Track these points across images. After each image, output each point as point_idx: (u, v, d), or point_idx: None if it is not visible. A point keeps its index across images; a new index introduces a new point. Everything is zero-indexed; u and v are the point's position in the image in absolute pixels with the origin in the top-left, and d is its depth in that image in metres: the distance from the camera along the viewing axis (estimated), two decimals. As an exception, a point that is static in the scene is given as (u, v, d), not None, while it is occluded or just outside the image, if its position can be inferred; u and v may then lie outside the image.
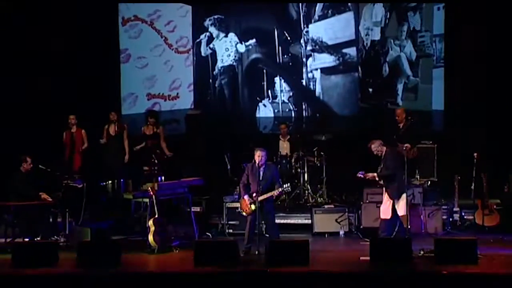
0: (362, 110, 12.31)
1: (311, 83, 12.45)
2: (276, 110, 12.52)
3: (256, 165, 8.72)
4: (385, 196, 8.86)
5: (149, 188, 9.10)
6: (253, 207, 8.70)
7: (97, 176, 10.59)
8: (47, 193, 9.39)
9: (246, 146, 10.80)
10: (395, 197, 8.76)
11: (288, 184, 8.73)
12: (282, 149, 11.38)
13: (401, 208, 8.77)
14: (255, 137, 11.85)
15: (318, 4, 12.25)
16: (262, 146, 8.93)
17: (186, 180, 9.73)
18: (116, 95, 12.23)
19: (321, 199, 11.02)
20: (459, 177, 10.00)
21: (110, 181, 10.54)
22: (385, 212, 8.80)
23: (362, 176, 8.87)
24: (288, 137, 11.42)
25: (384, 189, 8.95)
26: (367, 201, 10.02)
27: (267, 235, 9.20)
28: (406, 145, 9.76)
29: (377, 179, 8.91)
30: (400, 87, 12.24)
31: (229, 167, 11.27)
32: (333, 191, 11.13)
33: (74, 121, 10.73)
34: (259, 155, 8.70)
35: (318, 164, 11.18)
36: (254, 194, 8.70)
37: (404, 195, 8.78)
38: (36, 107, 11.57)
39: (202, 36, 12.41)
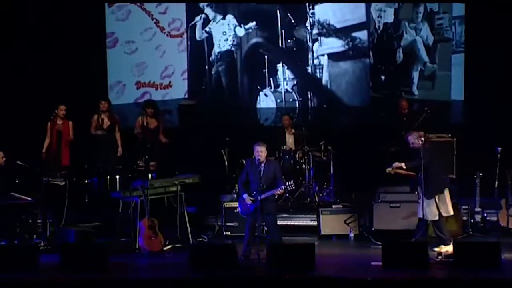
0: (373, 100, 12.30)
1: (318, 71, 12.44)
2: (278, 100, 12.52)
3: (256, 161, 8.71)
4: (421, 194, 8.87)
5: (139, 187, 9.10)
6: (253, 207, 8.68)
7: (81, 173, 10.58)
8: (25, 192, 9.39)
9: (246, 140, 10.78)
10: (432, 195, 8.75)
11: (292, 181, 8.72)
12: (287, 143, 11.39)
13: (445, 208, 8.76)
14: (255, 130, 11.93)
15: (325, -18, 12.32)
16: (263, 140, 8.93)
17: (180, 177, 9.75)
18: (101, 83, 12.22)
19: (329, 198, 11.04)
20: (481, 174, 10.00)
21: (95, 178, 10.52)
22: (431, 211, 8.79)
23: (391, 170, 8.85)
24: (293, 130, 11.44)
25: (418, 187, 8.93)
26: (380, 201, 10.03)
27: (268, 238, 9.16)
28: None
29: (403, 167, 8.85)
30: (415, 74, 12.23)
31: (226, 163, 11.27)
32: (342, 189, 11.14)
33: (64, 112, 10.68)
34: (259, 150, 8.70)
35: (325, 160, 11.19)
36: (254, 193, 8.69)
37: (442, 196, 8.75)
38: (13, 96, 11.54)
39: (197, 19, 12.38)
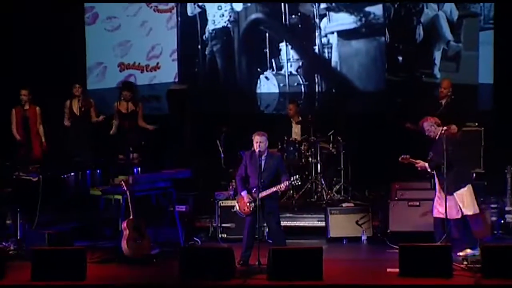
0: (390, 84, 12.29)
1: (326, 51, 12.42)
2: (281, 85, 12.51)
3: (256, 153, 8.67)
4: (442, 191, 8.83)
5: (122, 182, 9.07)
6: (252, 206, 8.66)
7: (56, 167, 10.54)
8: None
9: (244, 129, 10.74)
10: (450, 191, 8.73)
11: (297, 176, 8.68)
12: (292, 133, 11.39)
13: (469, 206, 8.74)
14: (255, 118, 11.89)
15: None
16: (264, 129, 8.89)
17: (169, 172, 9.72)
18: (79, 65, 12.21)
19: (338, 195, 11.02)
20: (512, 168, 10.00)
21: (73, 173, 10.49)
22: (451, 209, 8.74)
23: (407, 159, 8.80)
24: (299, 118, 11.42)
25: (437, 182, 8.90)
26: (396, 199, 10.00)
27: (270, 241, 9.19)
28: (453, 126, 9.69)
29: (428, 169, 8.82)
30: (437, 55, 12.19)
31: (222, 155, 11.27)
32: (353, 185, 11.15)
33: (27, 97, 10.63)
34: (259, 141, 8.65)
35: (335, 152, 11.18)
36: (254, 190, 8.65)
37: (463, 190, 8.72)
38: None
39: (188, -9, 12.46)
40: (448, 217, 8.81)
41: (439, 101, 10.43)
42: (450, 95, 10.43)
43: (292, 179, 8.61)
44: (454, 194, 8.81)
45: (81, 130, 10.85)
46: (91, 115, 10.81)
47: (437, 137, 8.86)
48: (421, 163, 8.91)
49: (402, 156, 8.90)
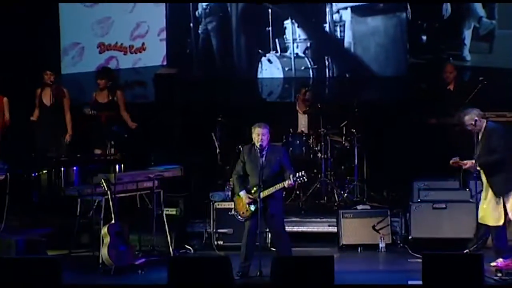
0: (412, 68, 12.26)
1: (338, 29, 12.40)
2: (286, 68, 12.50)
3: (257, 148, 8.66)
4: (489, 193, 8.80)
5: (102, 181, 9.08)
6: (252, 208, 8.65)
7: (27, 164, 10.57)
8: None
9: (243, 120, 10.78)
10: (502, 193, 8.69)
11: (303, 172, 8.66)
12: (299, 124, 11.40)
13: None
14: (255, 107, 11.87)
15: None
16: (267, 120, 8.89)
17: (156, 169, 9.75)
18: (52, 46, 12.22)
19: (352, 196, 11.03)
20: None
21: (45, 171, 10.49)
22: (493, 213, 8.75)
23: (456, 163, 8.77)
24: (307, 108, 11.42)
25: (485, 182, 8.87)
26: (419, 200, 10.01)
27: (273, 249, 9.20)
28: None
29: (478, 168, 8.80)
30: (467, 34, 12.17)
31: (218, 150, 11.29)
32: (370, 185, 11.15)
33: None
34: (260, 134, 8.65)
35: (348, 147, 11.18)
36: (255, 189, 8.64)
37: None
38: None
39: (178, -41, 12.48)
40: (485, 222, 8.78)
41: (447, 87, 10.66)
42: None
43: (297, 174, 8.58)
44: (504, 197, 8.72)
45: (53, 123, 10.87)
46: (64, 106, 10.86)
47: (482, 132, 8.76)
48: (469, 163, 8.82)
49: (453, 159, 8.84)
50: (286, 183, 8.57)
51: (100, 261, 8.94)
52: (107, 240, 8.90)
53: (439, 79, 11.13)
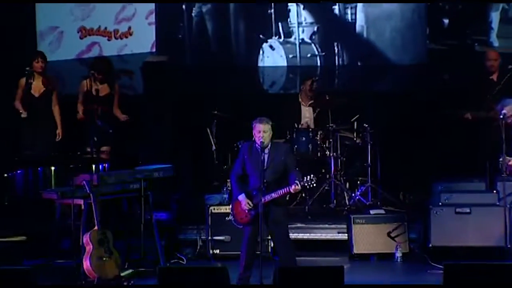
0: (432, 55, 12.28)
1: (349, 12, 12.43)
2: (290, 56, 12.53)
3: (258, 145, 8.66)
4: None
5: (85, 182, 9.08)
6: (253, 213, 8.66)
7: (0, 163, 10.59)
8: None
9: (242, 114, 10.79)
10: None
11: (312, 175, 8.65)
12: (304, 118, 11.40)
13: None
14: (256, 99, 11.89)
15: None
16: (269, 114, 8.85)
17: (145, 169, 9.73)
18: (28, 30, 12.22)
19: (365, 199, 11.03)
20: None
21: (20, 171, 10.44)
22: None
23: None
24: (313, 100, 11.41)
25: None
26: (440, 204, 9.99)
27: (276, 259, 9.19)
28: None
29: None
30: (495, 16, 12.19)
31: (214, 148, 11.28)
32: (384, 186, 11.16)
33: None
34: (261, 130, 8.63)
35: (360, 143, 11.20)
36: (255, 193, 8.63)
37: None
38: None
39: None
40: None
41: (489, 77, 10.53)
42: (511, 68, 10.46)
43: (305, 179, 8.56)
44: None
45: (43, 117, 10.83)
46: (52, 98, 10.84)
47: None
48: None
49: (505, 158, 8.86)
50: (292, 188, 8.53)
51: (82, 272, 8.91)
52: (89, 248, 8.87)
53: (464, 67, 11.11)
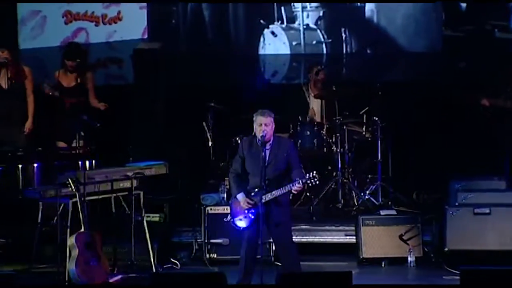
0: (448, 41, 12.30)
1: (358, -6, 12.49)
2: (294, 43, 12.55)
3: (258, 140, 8.65)
4: None
5: (70, 181, 9.08)
6: (253, 213, 8.64)
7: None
8: None
9: (241, 106, 10.80)
10: None
11: (315, 172, 8.61)
12: (311, 111, 11.42)
13: None
14: (257, 90, 11.90)
15: None
16: (270, 107, 8.84)
17: (136, 166, 9.76)
18: (7, 15, 12.22)
19: (374, 200, 11.04)
20: None
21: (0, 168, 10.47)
22: None
23: None
24: (319, 91, 11.41)
25: None
26: (457, 204, 10.01)
27: (277, 263, 9.20)
28: None
29: None
30: (515, 0, 12.21)
31: (210, 143, 11.29)
32: (396, 185, 11.17)
33: None
34: (262, 123, 8.62)
35: (370, 138, 11.21)
36: (256, 191, 8.63)
37: None
38: None
39: None
40: None
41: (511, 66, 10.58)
42: None
43: (308, 176, 8.56)
44: None
45: (10, 109, 10.81)
46: (26, 88, 10.83)
47: None
48: None
49: None
50: (294, 187, 8.54)
51: (66, 279, 8.93)
52: (75, 252, 8.89)
53: (482, 55, 11.11)
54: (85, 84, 10.91)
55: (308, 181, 8.54)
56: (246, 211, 8.65)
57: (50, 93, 10.80)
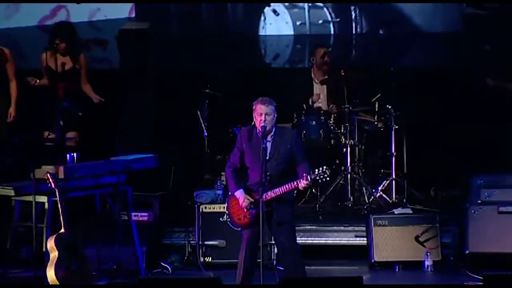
0: (470, 21, 12.27)
1: (369, -31, 12.53)
2: (298, 23, 12.62)
3: (259, 131, 8.63)
4: None
5: (49, 175, 9.06)
6: (253, 212, 8.61)
7: None
8: None
9: (240, 93, 10.78)
10: None
11: (324, 167, 8.57)
12: (316, 98, 11.39)
13: None
14: (256, 75, 11.92)
15: None
16: (272, 94, 8.84)
17: (122, 159, 9.76)
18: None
19: (387, 197, 11.05)
20: None
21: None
22: None
23: None
24: (325, 76, 11.40)
25: None
26: (480, 202, 10.01)
27: (280, 268, 9.19)
28: None
29: None
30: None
31: (205, 134, 11.30)
32: (412, 180, 11.17)
33: None
34: (263, 112, 8.60)
35: (382, 128, 11.22)
36: (256, 188, 8.58)
37: None
38: None
39: None
40: None
41: None
42: None
43: (316, 172, 8.52)
44: None
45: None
46: (8, 72, 10.86)
47: None
48: None
49: None
50: (300, 184, 8.50)
51: (45, 283, 8.89)
52: (54, 255, 8.87)
53: (509, 36, 11.10)
54: (79, 67, 10.90)
55: (317, 177, 8.48)
56: (245, 210, 8.63)
57: (36, 84, 10.79)
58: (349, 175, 11.06)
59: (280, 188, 8.49)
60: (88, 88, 10.92)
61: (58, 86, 10.79)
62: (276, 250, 9.54)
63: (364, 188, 11.07)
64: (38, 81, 10.82)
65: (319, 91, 11.42)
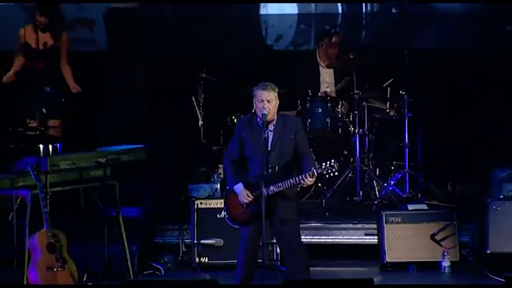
0: (491, 0, 12.19)
1: None
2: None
3: (259, 119, 8.61)
4: None
5: (29, 169, 9.07)
6: (253, 209, 8.60)
7: None
8: None
9: (239, 77, 10.82)
10: None
11: (333, 161, 8.54)
12: (322, 84, 11.42)
13: None
14: (257, 58, 11.93)
15: None
16: (274, 79, 8.80)
17: (110, 149, 9.76)
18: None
19: (400, 191, 11.05)
20: None
21: None
22: None
23: None
24: (333, 60, 11.43)
25: None
26: (501, 197, 10.00)
27: (283, 269, 9.22)
28: None
29: None
30: None
31: (200, 122, 11.30)
32: (427, 174, 11.18)
33: None
34: (264, 99, 8.59)
35: (395, 117, 11.23)
36: (256, 182, 8.55)
37: None
38: None
39: None
40: None
41: None
42: None
43: (323, 166, 8.50)
44: None
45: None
46: None
47: None
48: None
49: None
50: (306, 179, 8.46)
51: (26, 285, 8.91)
52: (36, 255, 8.89)
53: None
54: (59, 46, 10.90)
55: (324, 171, 8.47)
56: (244, 206, 8.62)
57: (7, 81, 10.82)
58: (358, 167, 11.08)
59: (283, 182, 8.46)
60: (68, 71, 10.90)
61: (37, 66, 10.78)
62: (278, 250, 9.57)
63: (374, 182, 11.11)
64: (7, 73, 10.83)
65: (328, 77, 11.44)
